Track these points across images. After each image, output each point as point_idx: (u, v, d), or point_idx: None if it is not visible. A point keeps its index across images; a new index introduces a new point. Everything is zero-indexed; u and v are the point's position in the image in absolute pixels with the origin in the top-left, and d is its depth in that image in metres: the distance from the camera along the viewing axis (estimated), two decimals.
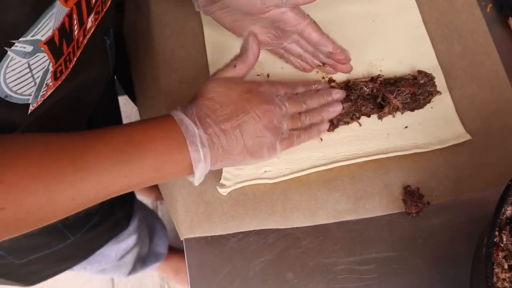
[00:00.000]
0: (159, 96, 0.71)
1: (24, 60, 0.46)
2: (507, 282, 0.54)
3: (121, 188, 0.52)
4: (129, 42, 0.78)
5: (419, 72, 0.71)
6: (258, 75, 0.72)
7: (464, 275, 0.63)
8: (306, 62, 0.71)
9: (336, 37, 0.74)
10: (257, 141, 0.59)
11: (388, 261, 0.65)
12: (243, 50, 0.62)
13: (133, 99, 1.03)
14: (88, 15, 0.54)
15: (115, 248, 1.03)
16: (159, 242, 1.35)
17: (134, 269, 1.26)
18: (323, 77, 0.73)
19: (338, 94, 0.68)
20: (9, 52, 0.44)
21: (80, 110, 0.68)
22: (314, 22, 0.66)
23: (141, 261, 1.29)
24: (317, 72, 0.73)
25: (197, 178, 0.57)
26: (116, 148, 0.51)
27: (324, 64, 0.71)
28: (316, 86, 0.69)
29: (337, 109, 0.67)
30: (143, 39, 0.77)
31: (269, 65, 0.73)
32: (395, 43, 0.75)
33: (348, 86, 0.70)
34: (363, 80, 0.70)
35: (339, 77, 0.73)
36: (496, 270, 0.54)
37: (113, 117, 0.93)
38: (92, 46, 0.58)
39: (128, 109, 1.73)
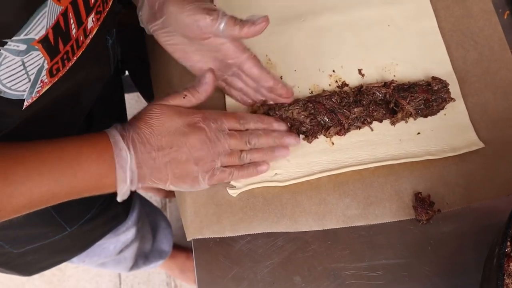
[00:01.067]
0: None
1: (18, 58, 0.46)
2: None
3: (47, 202, 0.55)
4: (148, 42, 0.79)
5: (433, 78, 0.70)
6: None
7: (473, 284, 0.63)
8: (248, 97, 0.70)
9: (352, 41, 0.75)
10: (185, 173, 0.60)
11: (396, 267, 0.64)
12: (197, 83, 0.62)
13: (146, 96, 1.03)
14: (88, 15, 0.54)
15: (113, 241, 1.03)
16: (163, 239, 1.35)
17: (136, 265, 1.26)
18: (336, 81, 0.72)
19: (292, 140, 0.67)
20: (2, 51, 0.44)
21: (78, 107, 0.68)
22: (255, 56, 0.65)
23: (144, 257, 1.29)
24: (330, 76, 0.73)
25: (120, 197, 0.59)
26: (49, 165, 0.53)
27: (265, 99, 0.69)
28: (272, 124, 0.67)
29: (283, 154, 0.66)
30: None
31: (282, 67, 0.73)
32: (409, 48, 0.74)
33: (360, 91, 0.69)
34: (376, 85, 0.69)
35: (352, 81, 0.72)
36: (506, 281, 0.53)
37: (117, 113, 0.93)
38: (94, 46, 0.59)
39: (140, 106, 1.73)
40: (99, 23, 0.58)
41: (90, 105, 0.72)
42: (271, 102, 0.69)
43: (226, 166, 0.63)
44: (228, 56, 0.64)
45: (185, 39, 0.63)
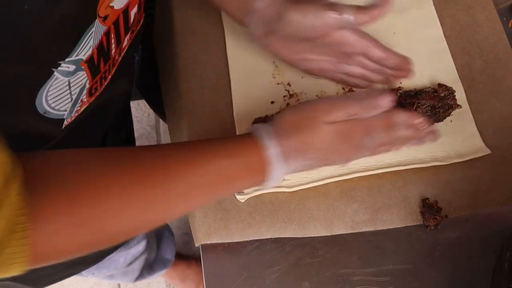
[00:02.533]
0: (180, 101, 0.72)
1: (66, 79, 0.46)
2: None
3: (208, 200, 0.57)
4: (157, 50, 0.79)
5: (440, 85, 0.71)
6: (278, 83, 0.73)
7: None
8: (369, 81, 0.70)
9: None
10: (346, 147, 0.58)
11: (404, 273, 0.64)
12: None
13: (151, 104, 1.03)
14: (126, 34, 0.55)
15: (124, 254, 1.03)
16: (166, 248, 1.35)
17: (141, 276, 1.26)
18: (343, 88, 0.73)
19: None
20: (55, 73, 0.44)
21: (103, 123, 0.68)
22: (375, 39, 0.65)
23: (149, 267, 1.29)
24: (337, 83, 0.73)
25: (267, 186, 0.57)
26: (207, 182, 0.52)
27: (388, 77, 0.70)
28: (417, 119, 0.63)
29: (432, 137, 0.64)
30: (168, 45, 0.77)
31: (290, 73, 0.73)
32: (416, 56, 0.74)
33: None
34: None
35: (358, 89, 0.73)
36: None
37: (126, 123, 0.93)
38: (123, 64, 0.59)
39: (140, 114, 1.74)
40: (130, 41, 0.58)
41: (113, 119, 0.72)
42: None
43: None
44: (352, 46, 0.64)
45: (307, 43, 0.63)
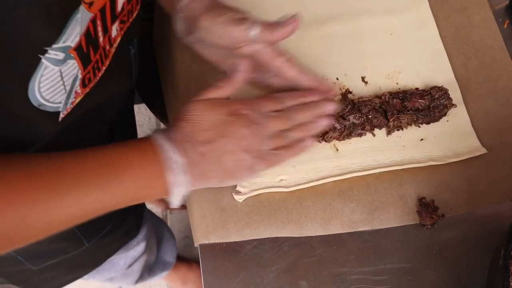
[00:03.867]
0: (177, 104, 0.72)
1: (57, 68, 0.46)
2: None
3: (96, 212, 0.52)
4: (157, 51, 0.80)
5: (432, 88, 0.71)
6: None
7: None
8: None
9: (355, 49, 0.76)
10: (235, 164, 0.58)
11: (402, 272, 0.65)
12: (233, 71, 0.60)
13: (151, 107, 1.04)
14: (112, 23, 0.54)
15: (123, 256, 1.03)
16: (167, 250, 1.35)
17: (141, 277, 1.26)
18: (340, 89, 0.73)
19: (331, 106, 0.64)
20: (43, 60, 0.44)
21: (104, 119, 0.68)
22: (291, 59, 0.64)
23: (149, 269, 1.29)
24: (334, 83, 0.74)
25: (174, 201, 0.56)
26: (94, 173, 0.51)
27: None
28: (307, 97, 0.65)
29: (324, 123, 0.63)
30: (167, 48, 0.78)
31: None
32: (412, 56, 0.75)
33: (354, 103, 0.70)
34: (368, 98, 0.71)
35: (356, 89, 0.73)
36: None
37: (130, 125, 0.94)
38: (118, 56, 0.59)
39: (141, 118, 1.75)
40: (122, 33, 0.58)
41: (112, 118, 0.72)
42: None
43: (274, 149, 0.61)
44: (264, 62, 0.63)
45: (222, 49, 0.63)
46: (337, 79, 0.74)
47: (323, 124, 0.63)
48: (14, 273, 0.79)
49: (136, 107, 1.71)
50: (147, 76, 0.86)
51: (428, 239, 0.66)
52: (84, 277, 0.98)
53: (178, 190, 0.55)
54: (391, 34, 0.77)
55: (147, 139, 0.56)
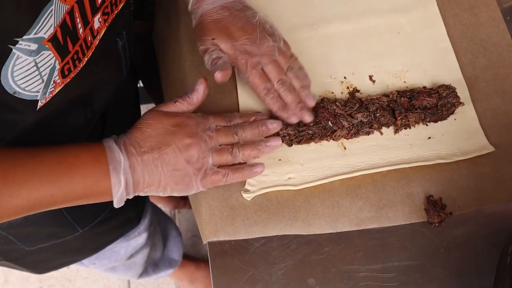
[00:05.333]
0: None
1: (31, 59, 0.48)
2: None
3: (46, 205, 0.56)
4: (157, 48, 0.80)
5: (440, 86, 0.72)
6: None
7: (487, 286, 0.63)
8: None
9: (363, 48, 0.76)
10: (177, 173, 0.60)
11: (409, 270, 0.65)
12: (190, 91, 0.64)
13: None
14: (93, 15, 0.55)
15: (124, 245, 1.03)
16: (173, 248, 1.36)
17: (145, 272, 1.27)
18: (348, 87, 0.74)
19: (274, 124, 0.67)
20: (14, 50, 0.46)
21: (91, 110, 0.69)
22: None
23: (154, 265, 1.30)
24: (342, 82, 0.74)
25: (116, 201, 0.59)
26: (47, 168, 0.55)
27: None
28: (254, 118, 0.68)
29: (274, 144, 0.67)
30: (172, 46, 0.79)
31: None
32: (420, 55, 0.76)
33: (362, 102, 0.71)
34: (376, 97, 0.71)
35: (363, 87, 0.74)
36: None
37: (130, 119, 0.95)
38: (104, 47, 0.60)
39: None
40: (106, 24, 0.59)
41: (103, 109, 0.73)
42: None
43: (220, 167, 0.64)
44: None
45: None
46: (345, 77, 0.74)
47: (274, 144, 0.67)
48: (8, 251, 0.81)
49: (144, 107, 1.72)
50: (152, 72, 0.86)
51: (436, 237, 0.66)
52: (84, 262, 0.99)
53: (120, 191, 0.58)
54: (399, 33, 0.77)
55: (99, 142, 0.60)
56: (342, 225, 0.67)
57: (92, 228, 0.83)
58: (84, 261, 0.97)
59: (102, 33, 0.59)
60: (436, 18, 0.78)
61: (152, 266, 1.28)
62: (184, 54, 0.75)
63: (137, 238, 1.04)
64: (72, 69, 0.55)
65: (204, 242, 0.67)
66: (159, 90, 0.84)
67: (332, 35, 0.77)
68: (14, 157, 0.54)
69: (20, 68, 0.48)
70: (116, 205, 0.60)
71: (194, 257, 1.56)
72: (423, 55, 0.76)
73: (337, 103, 0.70)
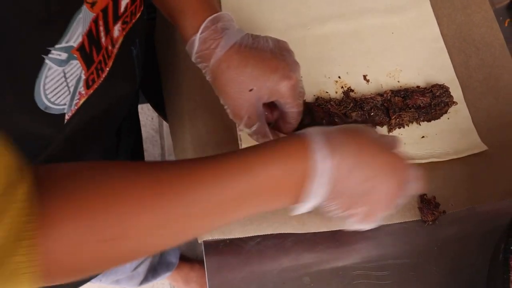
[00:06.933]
0: (181, 102, 0.73)
1: (60, 69, 0.46)
2: None
3: (227, 223, 0.51)
4: (159, 50, 0.80)
5: (433, 86, 0.72)
6: None
7: (480, 284, 0.64)
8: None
9: (357, 48, 0.77)
10: (367, 215, 0.54)
11: (404, 267, 0.65)
12: None
13: (156, 106, 1.05)
14: (114, 23, 0.55)
15: None
16: (170, 251, 1.36)
17: (145, 279, 1.27)
18: (342, 87, 0.74)
19: None
20: (46, 61, 0.44)
21: (111, 122, 0.68)
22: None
23: (153, 271, 1.30)
24: (336, 82, 0.75)
25: (297, 211, 0.52)
26: (238, 192, 0.47)
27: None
28: None
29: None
30: (171, 47, 0.79)
31: None
32: (413, 54, 0.76)
33: (356, 101, 0.71)
34: (370, 96, 0.71)
35: (357, 87, 0.74)
36: None
37: (135, 126, 0.95)
38: (121, 57, 0.59)
39: (143, 118, 1.75)
40: (124, 33, 0.58)
41: (120, 121, 0.72)
42: None
43: None
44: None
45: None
46: (339, 77, 0.75)
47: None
48: None
49: (139, 107, 1.72)
50: (151, 75, 0.86)
51: (430, 235, 0.67)
52: (92, 280, 0.98)
53: (314, 200, 0.50)
54: (393, 33, 0.78)
55: (297, 140, 0.50)
56: (336, 223, 0.67)
57: None
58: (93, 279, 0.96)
59: (120, 42, 0.58)
60: (429, 18, 0.79)
61: (151, 272, 1.28)
62: (181, 53, 0.76)
63: None
64: (96, 79, 0.54)
65: (200, 241, 0.67)
66: (157, 91, 0.84)
67: (327, 35, 0.78)
68: (192, 172, 0.46)
69: (51, 80, 0.46)
70: (294, 213, 0.52)
71: (189, 258, 1.56)
72: (417, 54, 0.76)
73: (331, 102, 0.70)
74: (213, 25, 0.59)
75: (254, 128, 0.60)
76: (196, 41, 0.59)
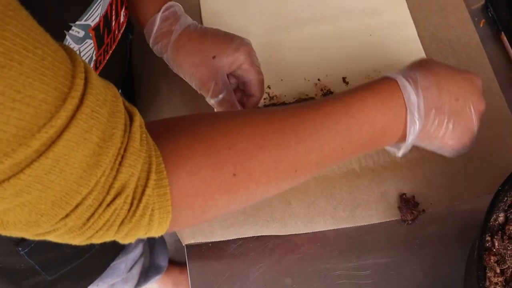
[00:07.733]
0: (162, 106, 0.74)
1: (77, 47, 0.48)
2: (499, 286, 0.55)
3: (336, 160, 0.51)
4: (135, 53, 0.81)
5: None
6: None
7: (459, 281, 0.65)
8: None
9: (336, 50, 0.78)
10: (464, 133, 0.57)
11: (384, 266, 0.66)
12: None
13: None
14: (121, 8, 0.57)
15: (124, 259, 1.04)
16: (159, 254, 1.36)
17: (138, 283, 1.27)
18: (322, 89, 0.75)
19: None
20: (67, 37, 0.46)
21: None
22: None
23: (144, 274, 1.30)
24: (316, 84, 0.75)
25: (405, 148, 0.55)
26: (335, 119, 0.50)
27: None
28: None
29: None
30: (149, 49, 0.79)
31: (270, 76, 0.75)
32: (391, 56, 0.77)
33: None
34: None
35: (337, 89, 0.75)
36: (488, 274, 0.56)
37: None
38: (120, 42, 0.62)
39: None
40: (126, 19, 0.61)
41: None
42: None
43: None
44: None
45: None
46: (319, 80, 0.76)
47: None
48: (31, 286, 0.79)
49: None
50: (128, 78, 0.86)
51: (410, 234, 0.68)
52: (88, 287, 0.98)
53: (412, 138, 0.53)
54: (371, 35, 0.79)
55: (384, 81, 0.54)
56: (317, 225, 0.68)
57: (103, 243, 0.82)
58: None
59: (124, 27, 0.61)
60: (407, 20, 0.80)
61: (143, 275, 1.28)
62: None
63: (135, 250, 1.04)
64: (102, 61, 0.56)
65: (183, 244, 0.67)
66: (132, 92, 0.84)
67: (306, 38, 0.79)
68: (296, 114, 0.49)
69: None
70: (401, 153, 0.55)
71: (177, 261, 1.56)
72: (395, 56, 0.77)
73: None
74: (171, 7, 0.65)
75: (221, 96, 0.63)
76: (158, 19, 0.64)
